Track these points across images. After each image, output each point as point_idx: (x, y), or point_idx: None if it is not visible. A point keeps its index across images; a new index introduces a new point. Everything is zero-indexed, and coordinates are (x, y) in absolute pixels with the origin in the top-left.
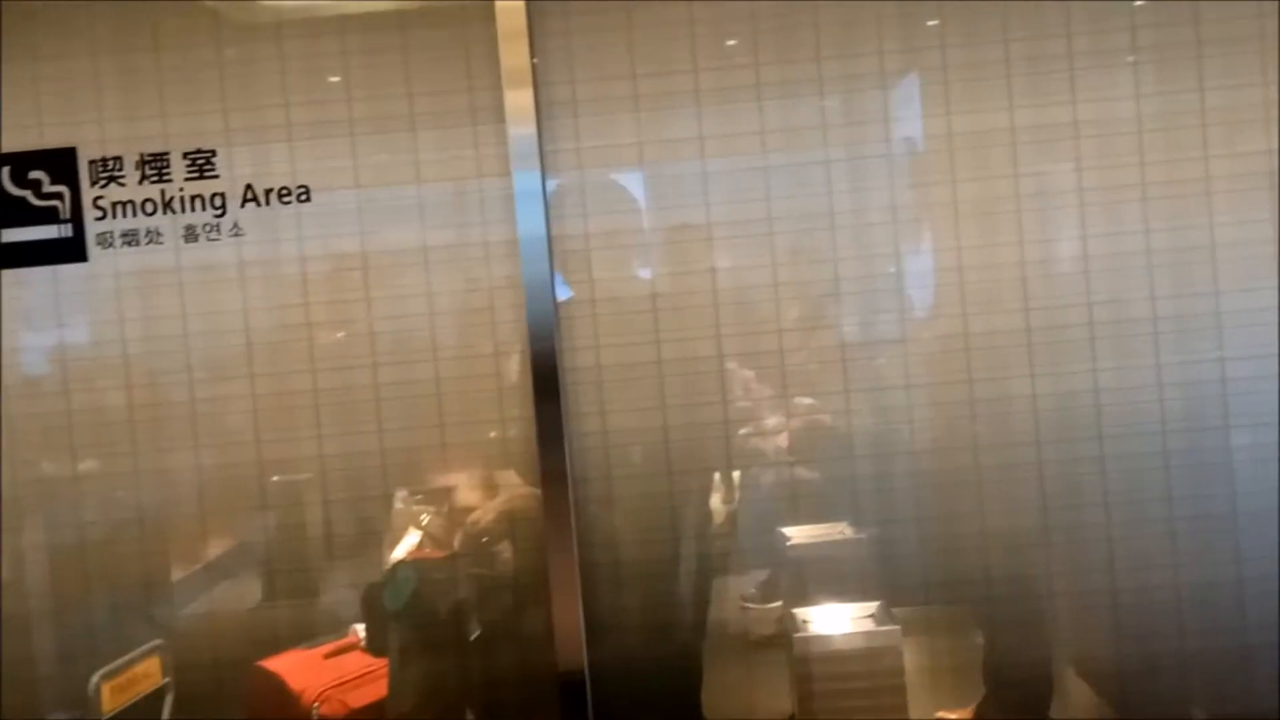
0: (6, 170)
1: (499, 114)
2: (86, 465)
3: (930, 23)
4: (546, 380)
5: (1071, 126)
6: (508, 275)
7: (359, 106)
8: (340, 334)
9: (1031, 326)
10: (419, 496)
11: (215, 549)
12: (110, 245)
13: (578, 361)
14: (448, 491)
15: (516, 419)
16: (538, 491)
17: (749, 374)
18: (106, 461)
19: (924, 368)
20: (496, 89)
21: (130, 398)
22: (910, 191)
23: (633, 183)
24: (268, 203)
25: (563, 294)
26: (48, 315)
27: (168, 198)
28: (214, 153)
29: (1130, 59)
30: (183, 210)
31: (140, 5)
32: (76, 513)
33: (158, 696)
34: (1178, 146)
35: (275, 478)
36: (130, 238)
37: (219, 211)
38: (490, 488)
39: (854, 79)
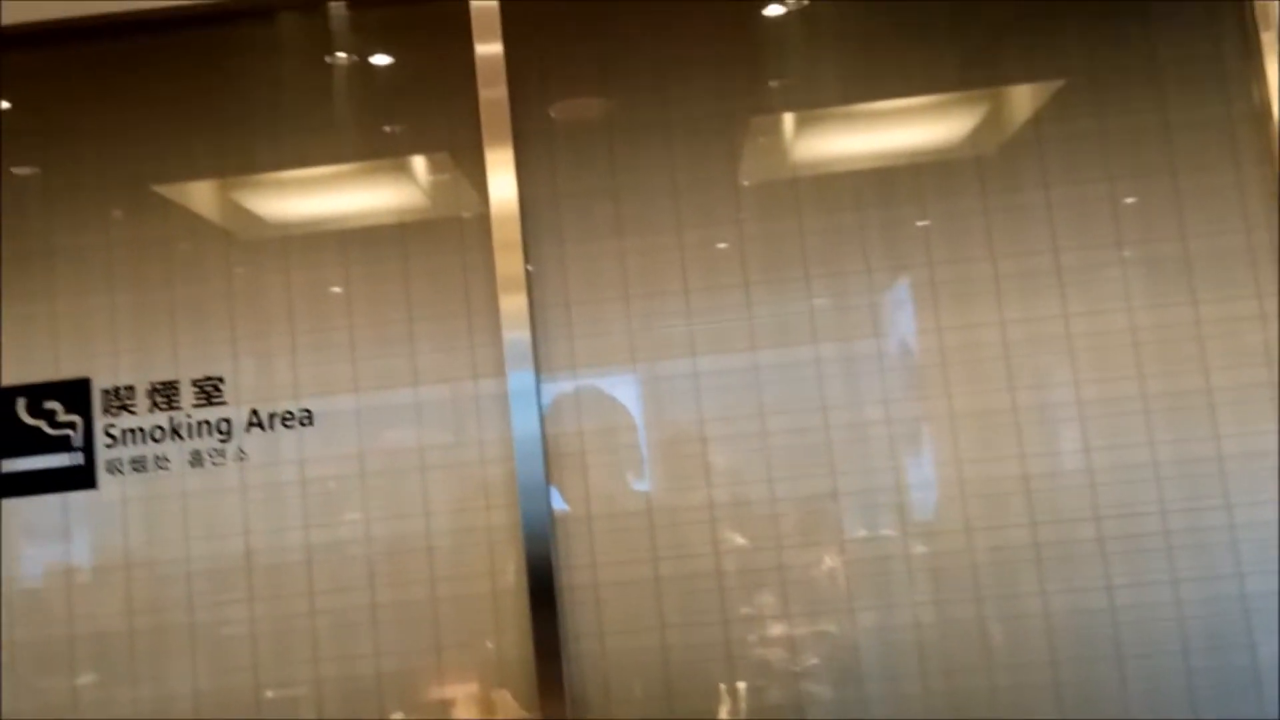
0: (22, 401)
1: (495, 318)
2: (85, 680)
3: (920, 223)
4: (543, 593)
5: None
6: (503, 478)
7: (359, 316)
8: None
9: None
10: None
11: None
12: (119, 472)
13: (575, 579)
14: (445, 707)
15: (513, 635)
16: (533, 717)
17: (749, 586)
18: (106, 679)
19: (930, 581)
20: (492, 295)
21: (131, 622)
22: (908, 400)
23: (626, 385)
24: (272, 427)
25: (559, 506)
26: (53, 533)
27: (176, 424)
28: (221, 379)
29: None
30: (190, 436)
31: (157, 234)
32: None
33: None
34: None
35: (269, 693)
36: (139, 464)
37: (224, 437)
38: (487, 706)
39: (843, 284)
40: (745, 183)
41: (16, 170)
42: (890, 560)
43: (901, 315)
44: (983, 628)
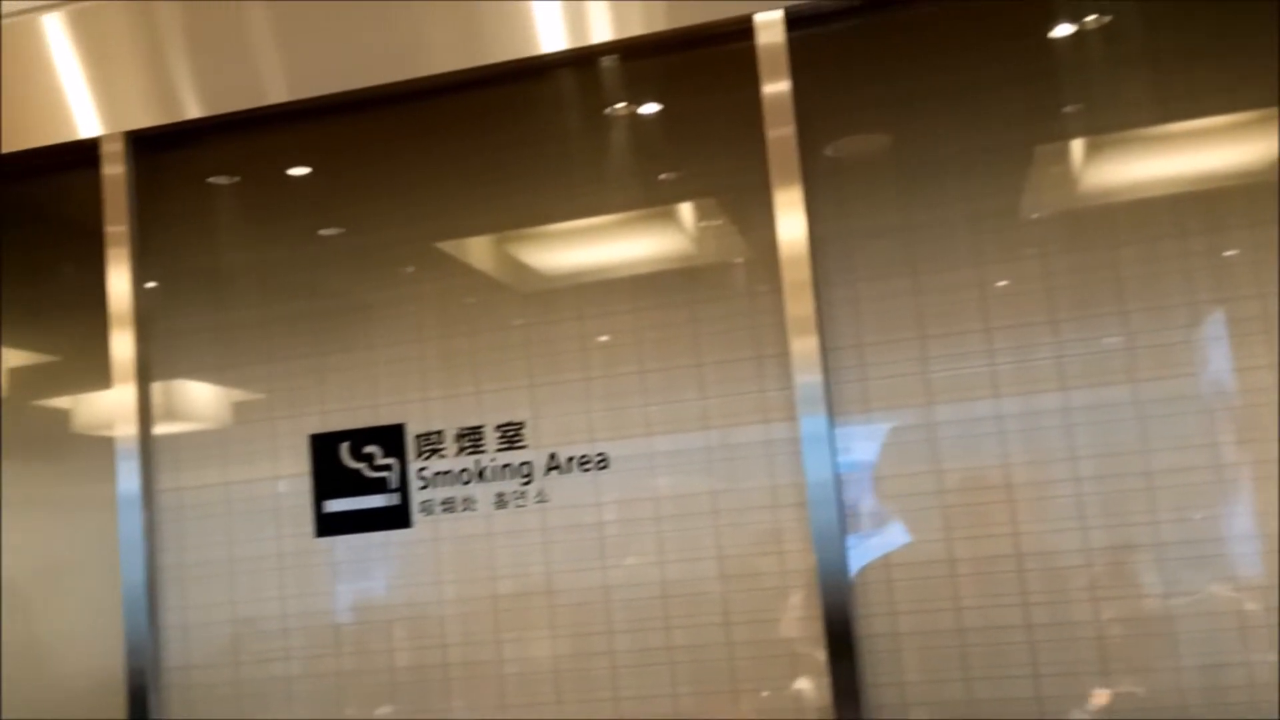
0: (345, 446)
1: (785, 361)
2: (398, 708)
3: (1227, 253)
4: (842, 641)
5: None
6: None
7: (649, 362)
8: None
9: None
10: None
11: None
12: (431, 513)
13: (874, 628)
14: None
15: (810, 681)
16: None
17: (1060, 640)
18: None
19: (1264, 641)
20: (782, 337)
21: (445, 655)
22: (1230, 443)
23: (921, 428)
24: (569, 470)
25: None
26: (370, 570)
27: (481, 467)
28: (522, 424)
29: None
30: (494, 479)
31: (459, 286)
32: None
33: None
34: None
35: None
36: (449, 505)
37: (526, 479)
38: None
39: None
40: (1043, 213)
41: (324, 232)
42: (1218, 617)
43: (1220, 350)
44: None
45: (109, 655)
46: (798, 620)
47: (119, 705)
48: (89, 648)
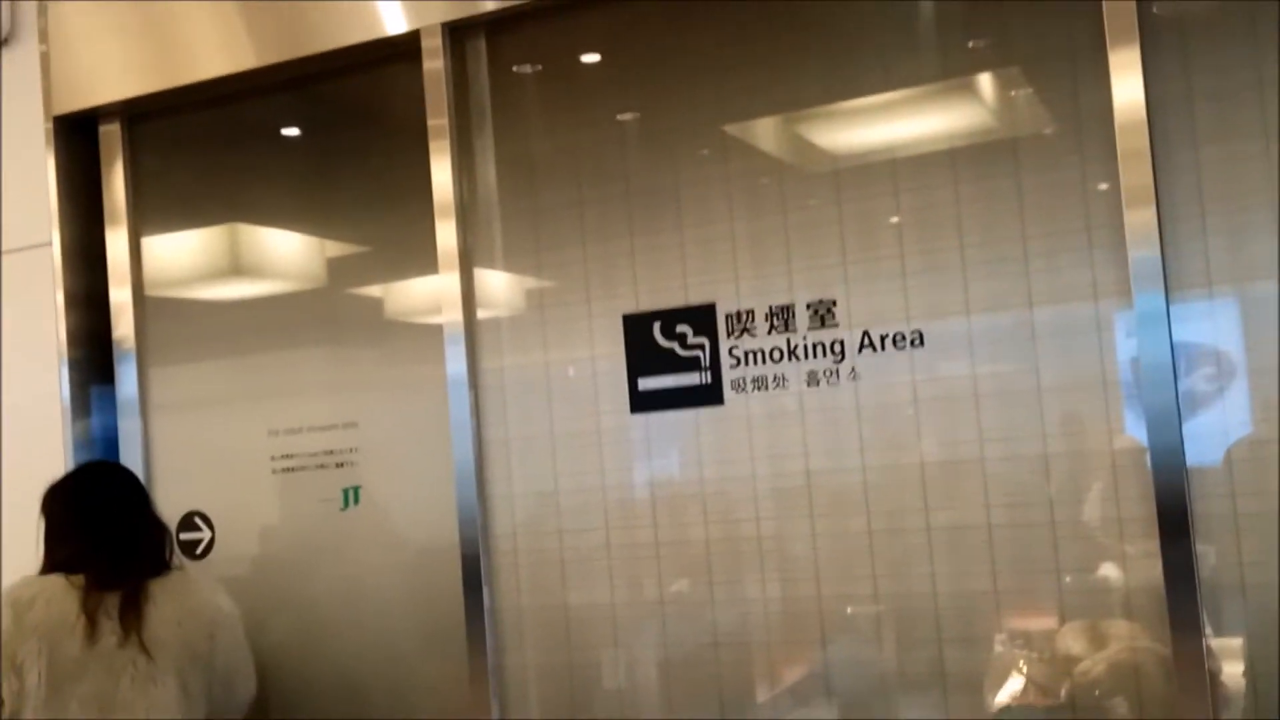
0: (657, 325)
1: (1118, 235)
2: (671, 593)
3: None
4: (1174, 522)
5: None
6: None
7: (970, 237)
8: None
9: None
10: (1019, 640)
11: (791, 677)
12: (743, 390)
13: (1210, 508)
14: (1050, 637)
15: (1138, 564)
16: (1161, 648)
17: None
18: (732, 579)
19: None
20: (1115, 209)
21: (758, 529)
22: None
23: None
24: (883, 348)
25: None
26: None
27: (793, 346)
28: (834, 303)
29: None
30: (806, 357)
31: (766, 165)
32: (664, 634)
33: None
34: None
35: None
36: (759, 383)
37: (838, 358)
38: (1098, 636)
39: None
40: None
41: (621, 117)
42: None
43: None
44: None
45: (442, 525)
46: (1124, 502)
47: (453, 568)
48: (425, 517)
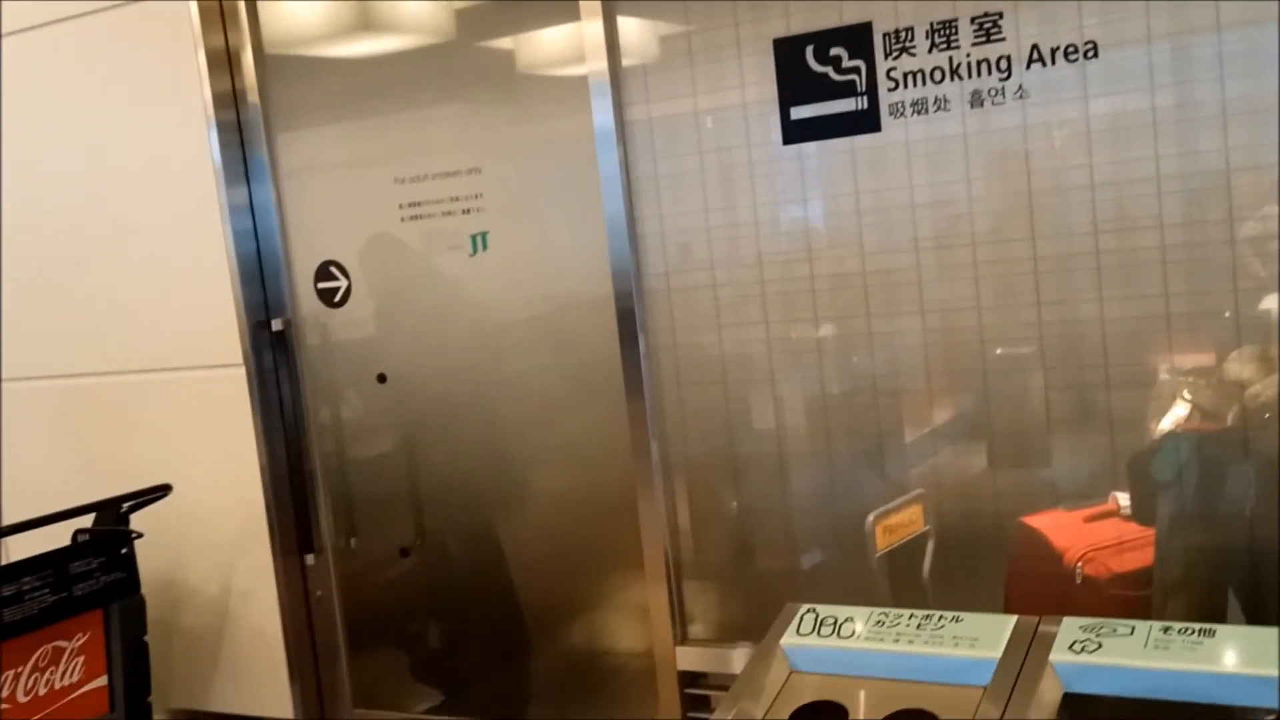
0: (810, 49)
1: None
2: (826, 330)
3: None
4: None
5: None
6: None
7: None
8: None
9: None
10: (1188, 368)
11: (948, 413)
12: (901, 115)
13: None
14: (1218, 364)
15: None
16: None
17: None
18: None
19: None
20: None
21: (917, 258)
22: None
23: None
24: (1053, 62)
25: None
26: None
27: (955, 64)
28: (1000, 15)
29: None
30: (969, 76)
31: None
32: (820, 371)
33: (921, 540)
34: None
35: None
36: (919, 106)
37: (1004, 75)
38: (1266, 361)
39: None
40: None
41: None
42: None
43: None
44: None
45: (594, 268)
46: None
47: (598, 313)
48: (562, 264)
